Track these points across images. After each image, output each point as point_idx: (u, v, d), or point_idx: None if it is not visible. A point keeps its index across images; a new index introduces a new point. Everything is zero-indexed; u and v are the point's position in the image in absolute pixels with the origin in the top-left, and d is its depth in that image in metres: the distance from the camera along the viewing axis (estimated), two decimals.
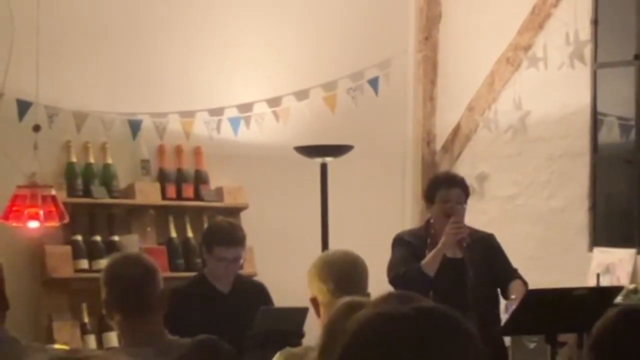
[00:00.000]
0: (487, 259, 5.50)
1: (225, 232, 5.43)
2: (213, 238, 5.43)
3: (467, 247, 5.33)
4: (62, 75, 6.47)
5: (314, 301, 3.88)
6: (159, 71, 6.85)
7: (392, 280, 5.40)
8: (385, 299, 1.68)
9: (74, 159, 6.50)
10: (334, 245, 6.13)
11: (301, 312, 4.94)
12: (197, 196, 6.88)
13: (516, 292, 5.38)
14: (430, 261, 5.34)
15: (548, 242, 7.22)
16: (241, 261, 5.49)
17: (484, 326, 4.99)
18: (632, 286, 6.65)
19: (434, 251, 5.35)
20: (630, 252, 6.87)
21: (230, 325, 5.07)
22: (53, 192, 6.00)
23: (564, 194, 7.24)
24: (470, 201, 5.75)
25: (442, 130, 7.87)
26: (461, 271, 5.28)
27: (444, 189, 5.53)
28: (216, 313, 5.27)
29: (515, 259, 5.86)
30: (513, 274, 5.61)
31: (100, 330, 6.33)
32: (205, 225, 6.66)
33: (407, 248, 5.49)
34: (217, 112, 6.98)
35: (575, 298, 5.32)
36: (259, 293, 5.54)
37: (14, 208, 5.90)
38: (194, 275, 5.86)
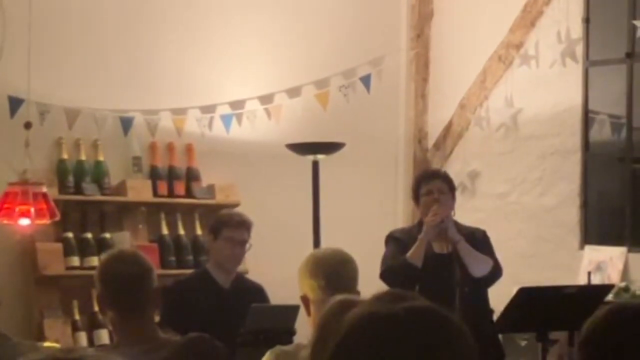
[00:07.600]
0: None
1: (234, 215, 5.66)
2: (222, 222, 5.59)
3: (444, 226, 5.33)
4: (54, 72, 6.45)
5: (304, 299, 3.88)
6: (151, 68, 6.84)
7: (382, 274, 5.45)
8: (379, 297, 1.68)
9: (65, 156, 6.49)
10: (326, 242, 6.13)
11: (293, 310, 4.94)
12: (189, 193, 6.88)
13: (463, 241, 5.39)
14: (415, 250, 5.38)
15: (539, 240, 7.22)
16: (247, 246, 5.54)
17: (473, 322, 5.01)
18: (623, 284, 6.66)
19: (417, 241, 5.38)
20: (622, 250, 6.88)
21: (228, 320, 5.12)
22: (44, 189, 5.98)
23: (555, 192, 7.25)
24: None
25: (434, 128, 7.87)
26: (448, 266, 5.30)
27: (425, 183, 5.57)
28: (215, 307, 5.34)
29: (507, 257, 5.86)
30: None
31: (91, 327, 6.33)
32: (197, 223, 6.72)
33: (398, 245, 5.53)
34: (209, 109, 6.97)
35: (567, 296, 5.32)
36: (258, 294, 5.60)
37: (5, 205, 5.88)
38: (196, 270, 5.91)
